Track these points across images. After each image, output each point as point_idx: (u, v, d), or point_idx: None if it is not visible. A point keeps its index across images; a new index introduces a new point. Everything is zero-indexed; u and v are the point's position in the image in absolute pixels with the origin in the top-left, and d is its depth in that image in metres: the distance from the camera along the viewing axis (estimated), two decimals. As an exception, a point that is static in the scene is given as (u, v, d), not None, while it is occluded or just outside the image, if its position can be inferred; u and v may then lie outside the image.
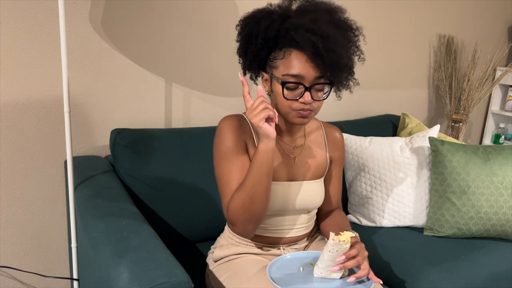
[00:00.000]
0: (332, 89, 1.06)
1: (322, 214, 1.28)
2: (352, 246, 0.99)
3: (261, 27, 1.00)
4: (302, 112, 1.03)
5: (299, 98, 1.01)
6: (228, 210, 1.03)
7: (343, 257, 0.96)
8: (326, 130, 1.24)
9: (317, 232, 1.30)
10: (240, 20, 1.07)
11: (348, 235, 0.96)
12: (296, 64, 0.99)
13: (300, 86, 1.00)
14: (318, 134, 1.22)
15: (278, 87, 1.02)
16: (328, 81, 1.02)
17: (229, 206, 1.02)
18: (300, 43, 0.97)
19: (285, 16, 1.01)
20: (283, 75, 1.00)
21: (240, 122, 1.10)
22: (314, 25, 0.96)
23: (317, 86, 1.01)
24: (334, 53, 0.96)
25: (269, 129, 0.96)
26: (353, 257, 0.98)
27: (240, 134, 1.09)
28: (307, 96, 1.00)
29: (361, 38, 1.06)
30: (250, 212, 1.00)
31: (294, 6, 1.04)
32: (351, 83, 1.07)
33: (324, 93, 1.04)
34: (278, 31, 0.99)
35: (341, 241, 0.94)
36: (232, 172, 1.05)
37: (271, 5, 1.05)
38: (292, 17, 1.00)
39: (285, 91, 1.01)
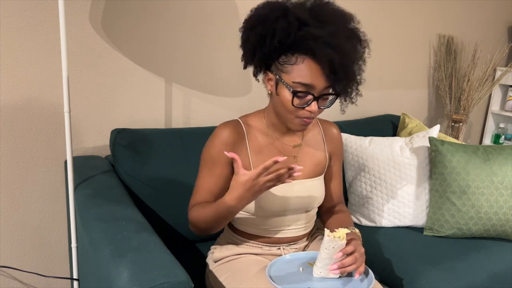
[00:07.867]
0: (337, 100, 1.06)
1: (324, 210, 1.28)
2: (348, 242, 0.99)
3: (277, 30, 0.97)
4: (305, 120, 1.03)
5: (306, 107, 1.01)
6: (189, 215, 1.10)
7: (340, 254, 0.96)
8: (323, 126, 1.24)
9: (317, 232, 1.30)
10: (252, 14, 1.02)
11: (343, 232, 0.96)
12: (308, 73, 0.98)
13: (309, 95, 1.00)
14: (315, 131, 1.22)
15: (285, 93, 1.01)
16: (335, 92, 1.03)
17: (191, 215, 1.09)
18: (318, 55, 0.95)
19: (303, 22, 0.97)
20: (293, 82, 0.99)
21: (237, 133, 1.11)
22: (334, 39, 0.95)
23: (324, 96, 1.02)
24: (347, 69, 0.97)
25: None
26: (350, 254, 0.98)
27: (228, 148, 1.09)
28: (314, 105, 1.00)
29: (366, 50, 1.06)
30: (205, 231, 1.09)
31: (308, 4, 1.01)
32: (354, 95, 1.07)
33: (328, 101, 1.05)
34: (295, 37, 0.97)
35: (336, 237, 0.95)
36: (205, 180, 1.11)
37: None
38: (310, 25, 0.96)
39: (295, 99, 1.00)
